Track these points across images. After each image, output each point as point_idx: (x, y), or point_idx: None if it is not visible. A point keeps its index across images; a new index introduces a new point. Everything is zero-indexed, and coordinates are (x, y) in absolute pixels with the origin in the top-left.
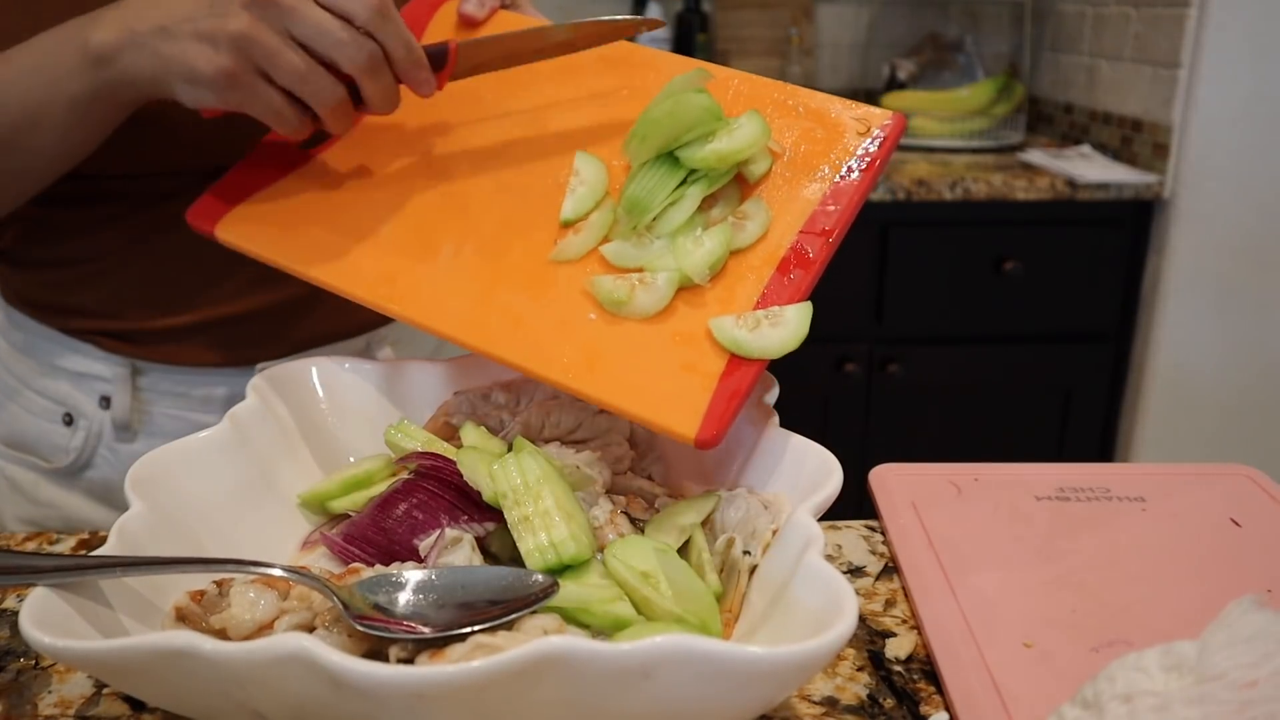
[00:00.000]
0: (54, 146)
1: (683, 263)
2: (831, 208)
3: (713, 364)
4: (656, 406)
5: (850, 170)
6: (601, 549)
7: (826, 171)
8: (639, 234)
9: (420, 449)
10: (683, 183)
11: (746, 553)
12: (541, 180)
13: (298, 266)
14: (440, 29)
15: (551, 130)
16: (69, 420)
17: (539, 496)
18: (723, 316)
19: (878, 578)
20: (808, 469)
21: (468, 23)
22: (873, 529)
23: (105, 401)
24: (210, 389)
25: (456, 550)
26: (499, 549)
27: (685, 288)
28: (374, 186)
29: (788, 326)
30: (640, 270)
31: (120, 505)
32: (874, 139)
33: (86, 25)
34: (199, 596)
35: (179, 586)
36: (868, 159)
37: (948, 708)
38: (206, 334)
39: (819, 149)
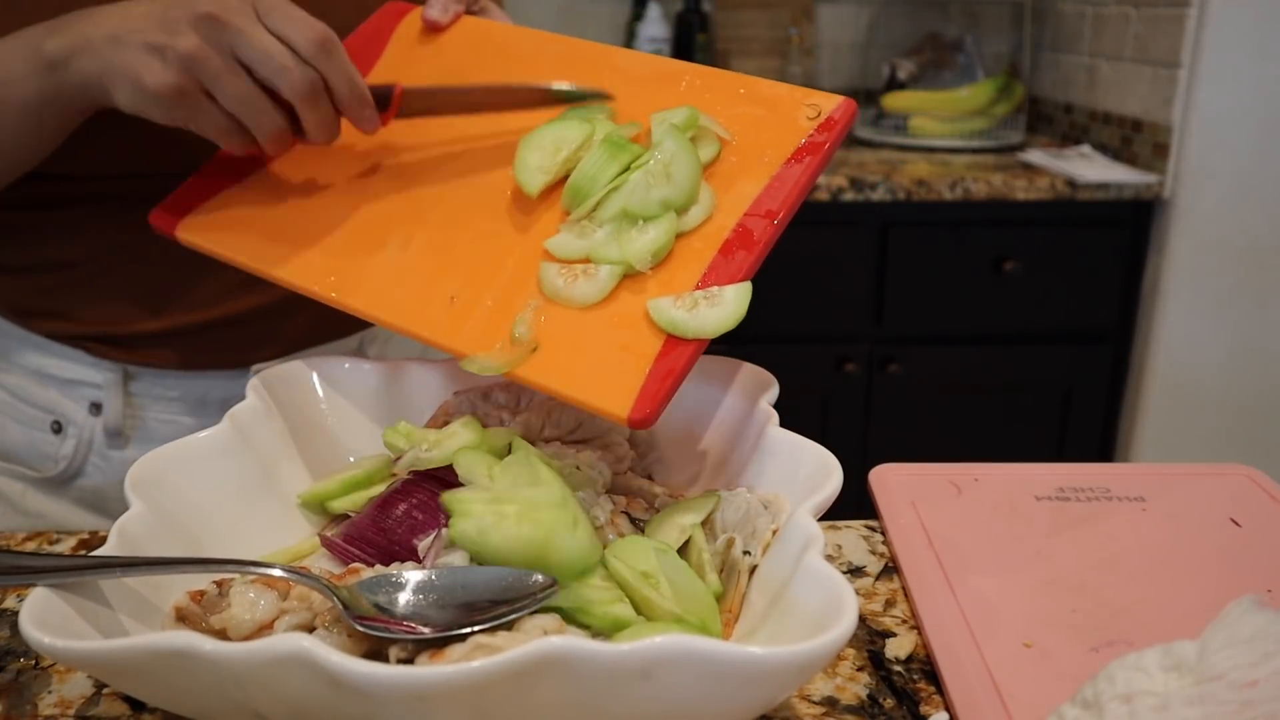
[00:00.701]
0: (7, 149)
1: (626, 251)
2: (777, 190)
3: (649, 345)
4: (592, 388)
5: (798, 153)
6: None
7: (773, 156)
8: (581, 221)
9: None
10: (626, 169)
11: (746, 553)
12: (490, 172)
13: (255, 264)
14: (405, 36)
15: (504, 128)
16: (58, 428)
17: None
18: (660, 298)
19: (878, 578)
20: (808, 469)
21: (431, 28)
22: (873, 529)
23: (95, 408)
24: (204, 392)
25: (456, 550)
26: None
27: (629, 274)
28: (328, 188)
29: (725, 306)
30: (586, 260)
31: (113, 513)
32: (824, 124)
33: (43, 32)
34: (199, 596)
35: (179, 586)
36: (816, 142)
37: (948, 708)
38: (199, 336)
39: (768, 135)
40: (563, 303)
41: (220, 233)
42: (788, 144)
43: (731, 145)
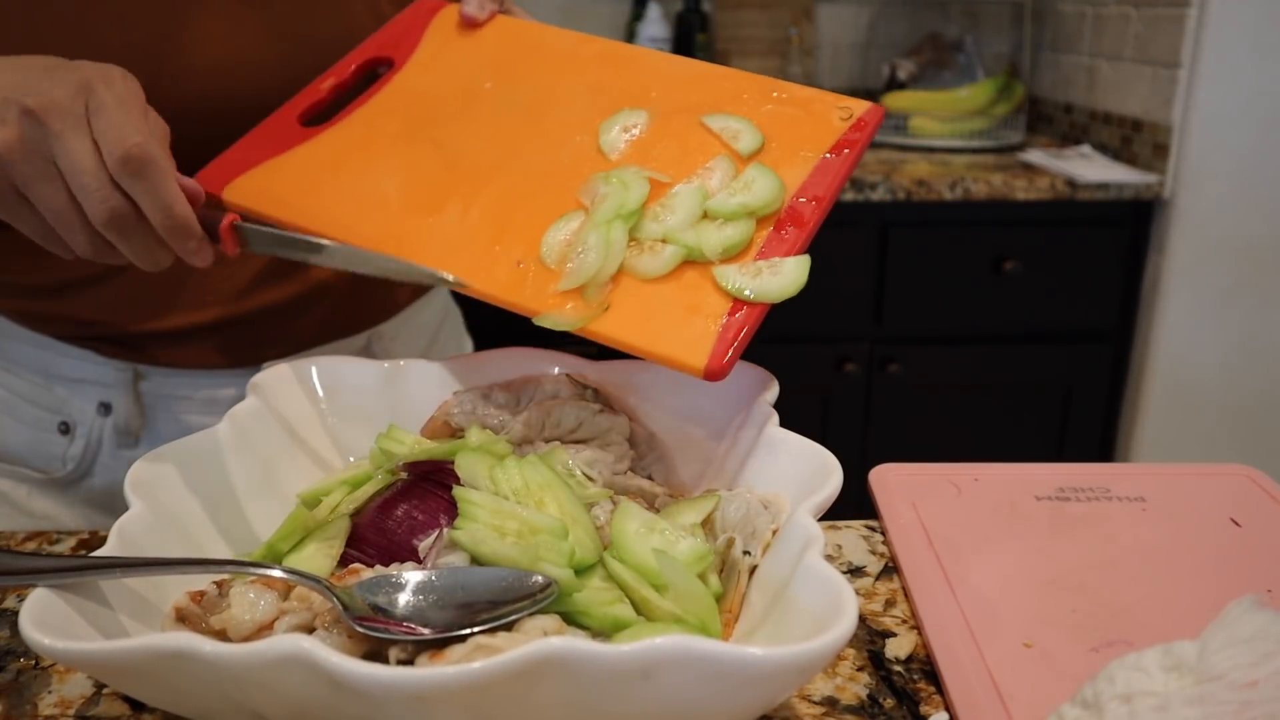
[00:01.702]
0: None
1: (703, 242)
2: (820, 179)
3: (717, 306)
4: (666, 342)
5: (835, 148)
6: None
7: (811, 150)
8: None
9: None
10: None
11: (746, 553)
12: (543, 155)
13: (308, 224)
14: (440, 29)
15: (552, 112)
16: (65, 429)
17: (541, 502)
18: (725, 265)
19: (878, 578)
20: (808, 469)
21: (469, 24)
22: (873, 529)
23: (105, 408)
24: (214, 390)
25: (456, 551)
26: None
27: (691, 257)
28: (381, 157)
29: (787, 275)
30: (661, 241)
31: (121, 512)
32: (856, 124)
33: None
34: (199, 597)
35: (179, 587)
36: (850, 139)
37: (948, 708)
38: (208, 336)
39: (805, 132)
40: (628, 272)
41: (267, 196)
42: (825, 140)
43: (773, 140)
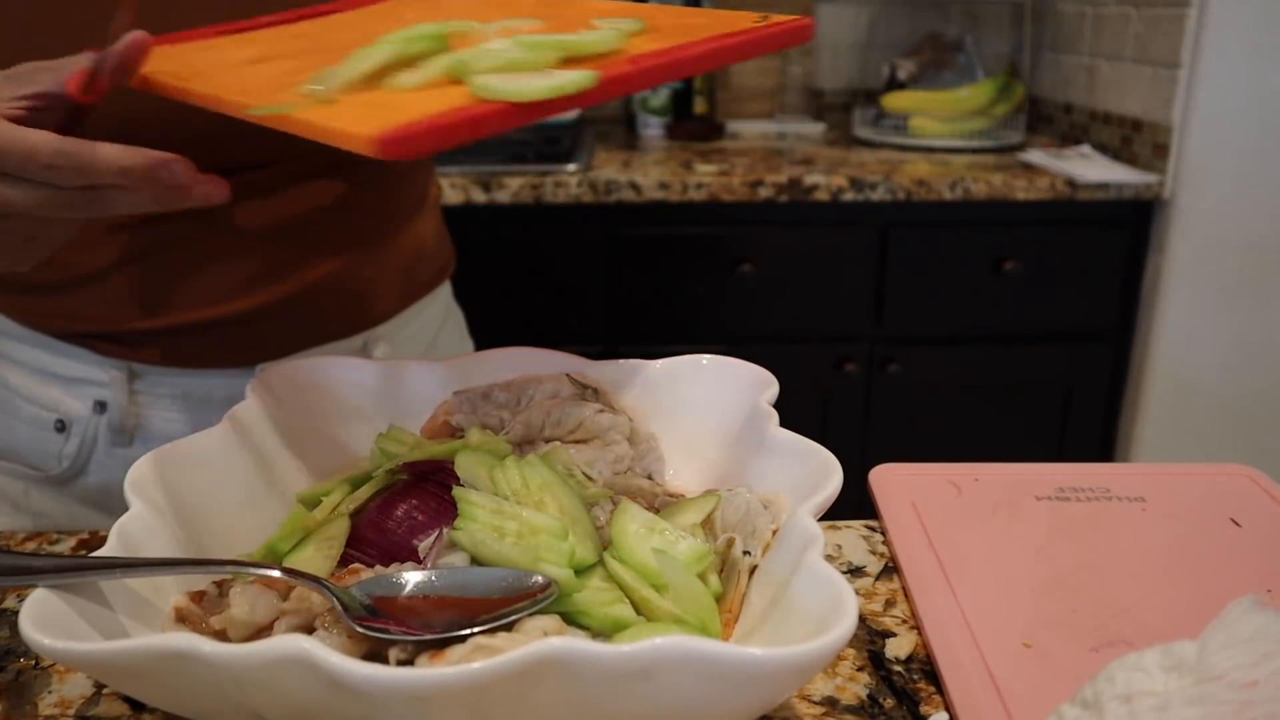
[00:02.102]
0: None
1: (474, 58)
2: (676, 51)
3: (450, 101)
4: (349, 121)
5: (720, 37)
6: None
7: (695, 36)
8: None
9: (410, 454)
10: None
11: (746, 553)
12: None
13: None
14: None
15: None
16: (61, 427)
17: (541, 502)
18: (487, 75)
19: (878, 578)
20: (808, 469)
21: None
22: (873, 529)
23: (100, 406)
24: (209, 391)
25: (456, 551)
26: None
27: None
28: (255, 40)
29: (553, 79)
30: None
31: (117, 510)
32: (768, 25)
33: None
34: (199, 597)
35: (179, 587)
36: (753, 32)
37: (948, 708)
38: (205, 334)
39: (703, 24)
40: (385, 88)
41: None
42: (714, 28)
43: (657, 29)
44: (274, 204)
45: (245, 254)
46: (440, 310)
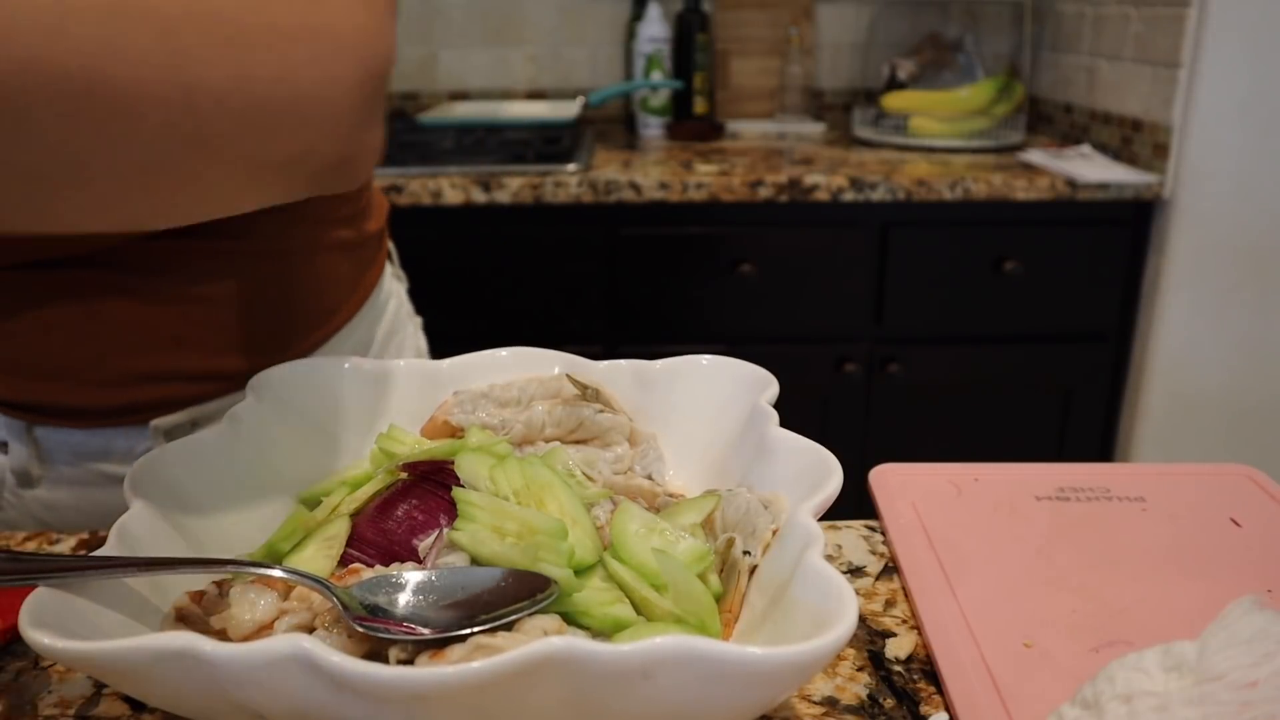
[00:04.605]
0: None
1: None
2: None
3: None
4: None
5: None
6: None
7: None
8: None
9: (410, 455)
10: None
11: (746, 553)
12: None
13: None
14: None
15: None
16: None
17: (541, 502)
18: None
19: (878, 578)
20: (808, 469)
21: None
22: (873, 529)
23: (4, 447)
24: (108, 441)
25: (456, 551)
26: None
27: None
28: None
29: None
30: None
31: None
32: None
33: None
34: (199, 597)
35: (179, 586)
36: None
37: (948, 708)
38: (96, 407)
39: None
40: None
41: None
42: None
43: None
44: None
45: (148, 347)
46: (358, 336)
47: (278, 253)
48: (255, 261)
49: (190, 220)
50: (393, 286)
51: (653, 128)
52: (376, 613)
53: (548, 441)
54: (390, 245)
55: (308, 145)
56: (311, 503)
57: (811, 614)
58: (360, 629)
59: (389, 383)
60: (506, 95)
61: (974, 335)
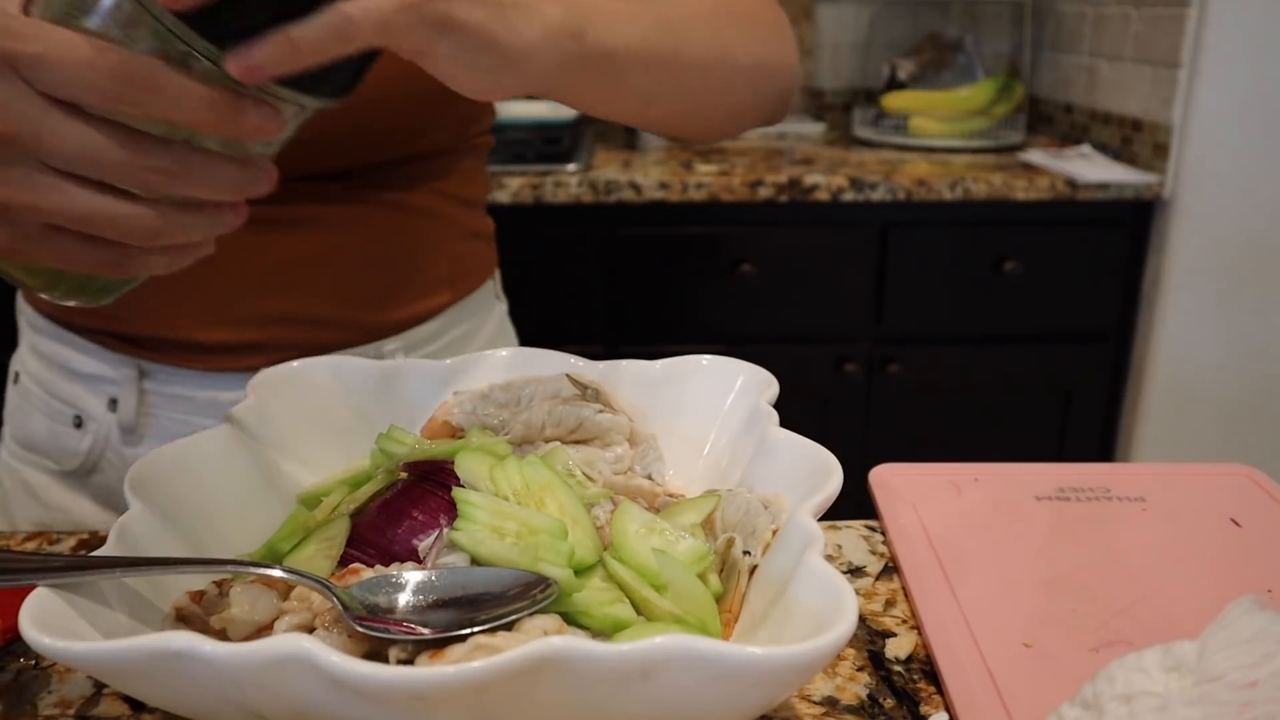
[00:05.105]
0: None
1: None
2: None
3: None
4: None
5: None
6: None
7: None
8: None
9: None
10: None
11: (746, 553)
12: None
13: None
14: None
15: None
16: (78, 423)
17: (541, 502)
18: None
19: (878, 578)
20: (808, 469)
21: None
22: (873, 529)
23: (113, 404)
24: (215, 392)
25: (456, 551)
26: None
27: None
28: None
29: None
30: None
31: (124, 510)
32: None
33: None
34: (199, 597)
35: (179, 586)
36: None
37: (948, 708)
38: (214, 348)
39: None
40: None
41: None
42: None
43: None
44: (295, 239)
45: (269, 288)
46: (487, 332)
47: (399, 205)
48: (378, 211)
49: (725, 134)
50: (496, 303)
51: None
52: (376, 613)
53: (548, 441)
54: (497, 271)
55: (773, 92)
56: (311, 503)
57: (811, 614)
58: (360, 629)
59: (389, 383)
60: None
61: (974, 335)
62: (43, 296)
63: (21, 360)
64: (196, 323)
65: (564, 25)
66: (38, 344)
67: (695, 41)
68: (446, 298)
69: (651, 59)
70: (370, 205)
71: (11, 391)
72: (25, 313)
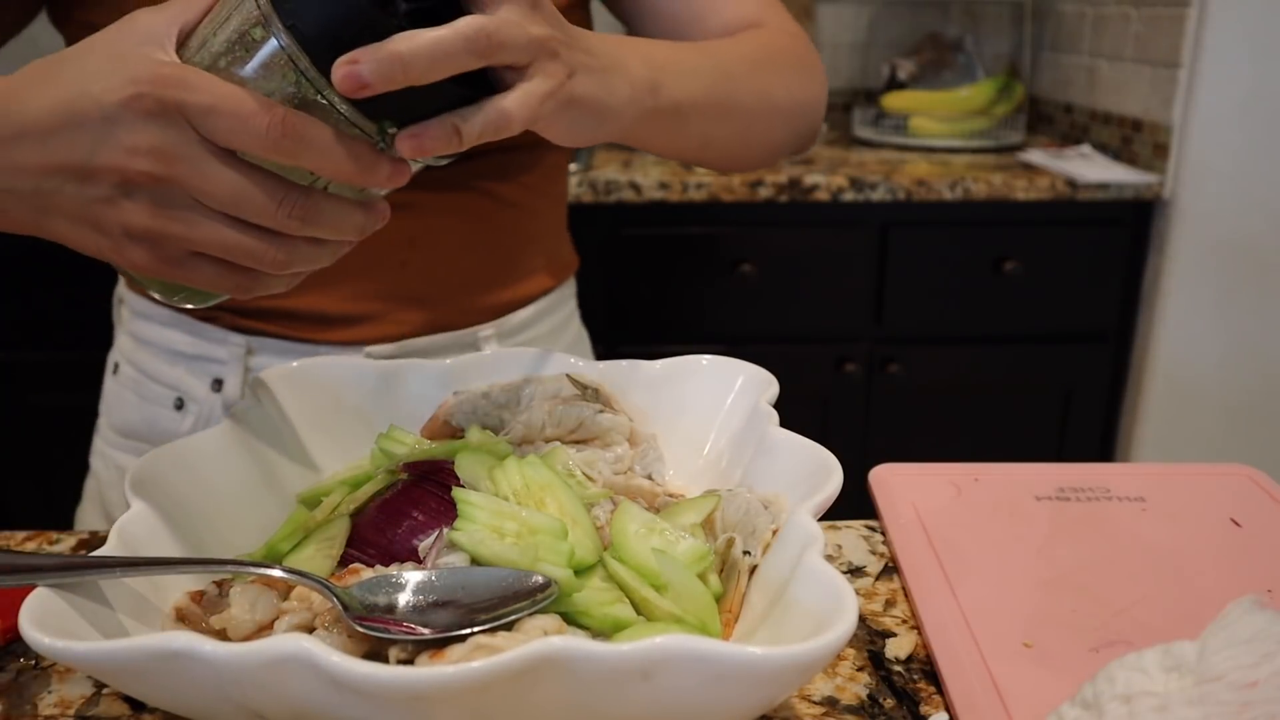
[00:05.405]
0: None
1: None
2: None
3: None
4: None
5: None
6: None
7: None
8: None
9: (410, 454)
10: None
11: (746, 553)
12: None
13: None
14: None
15: None
16: (180, 405)
17: (541, 502)
18: None
19: (878, 578)
20: (808, 469)
21: None
22: (873, 529)
23: (217, 384)
24: None
25: (456, 551)
26: None
27: None
28: None
29: None
30: None
31: None
32: None
33: None
34: (199, 597)
35: (179, 586)
36: None
37: (948, 708)
38: (324, 313)
39: None
40: None
41: None
42: None
43: None
44: (415, 220)
45: (381, 264)
46: (560, 316)
47: (492, 194)
48: (475, 197)
49: (763, 166)
50: (574, 303)
51: None
52: (376, 613)
53: (548, 441)
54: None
55: (807, 129)
56: (311, 503)
57: (811, 614)
58: (360, 629)
59: (389, 383)
60: None
61: (974, 335)
62: (156, 297)
63: (120, 350)
64: (309, 293)
65: (646, 81)
66: (140, 330)
67: (746, 90)
68: (545, 284)
69: (710, 107)
70: (467, 192)
71: (110, 382)
72: (129, 301)
